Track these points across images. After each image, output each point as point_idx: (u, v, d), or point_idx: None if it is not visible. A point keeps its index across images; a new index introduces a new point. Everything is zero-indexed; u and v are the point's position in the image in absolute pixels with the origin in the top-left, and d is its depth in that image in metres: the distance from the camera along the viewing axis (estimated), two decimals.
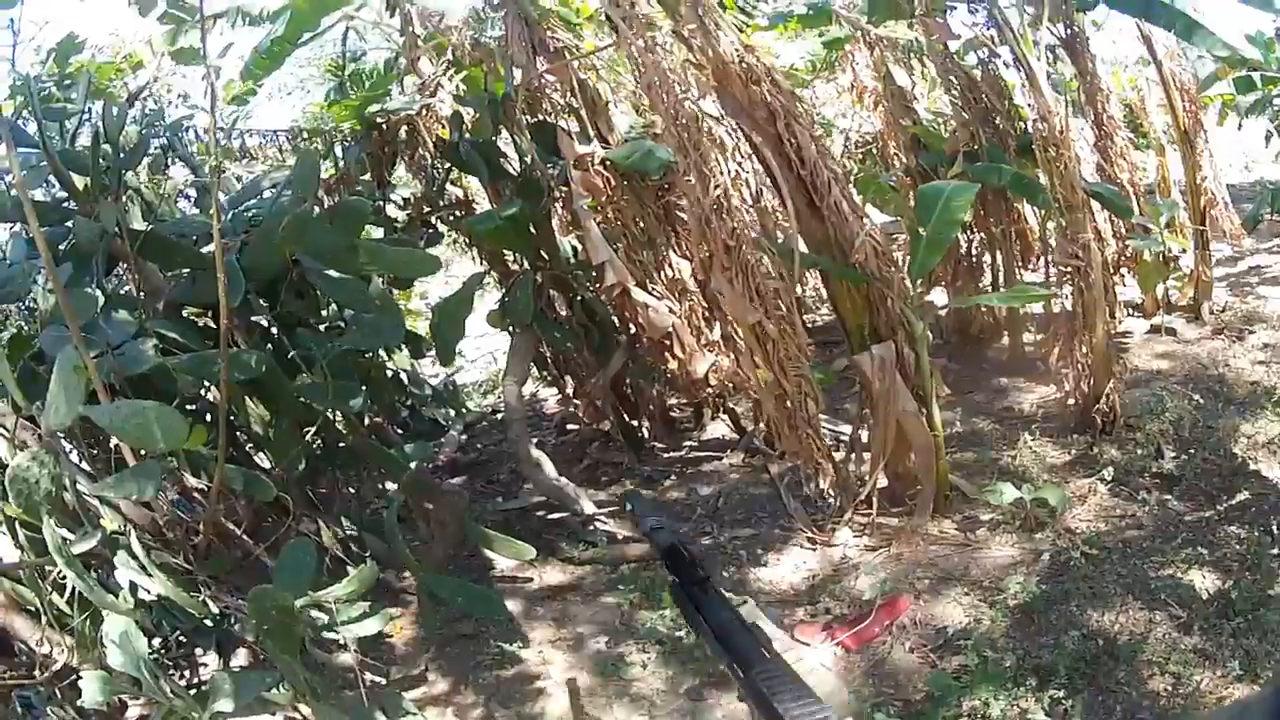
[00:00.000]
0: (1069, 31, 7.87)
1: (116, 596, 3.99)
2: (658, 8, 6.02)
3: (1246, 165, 15.48)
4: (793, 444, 5.88)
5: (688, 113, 5.62)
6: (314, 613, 4.20)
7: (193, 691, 4.06)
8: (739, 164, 6.32)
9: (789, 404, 5.78)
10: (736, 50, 5.64)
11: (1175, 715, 4.38)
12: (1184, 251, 9.29)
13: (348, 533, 6.05)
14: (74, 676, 4.36)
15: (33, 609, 4.45)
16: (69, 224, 5.27)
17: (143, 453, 4.47)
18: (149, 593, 4.14)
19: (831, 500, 6.40)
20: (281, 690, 4.02)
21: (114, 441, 4.72)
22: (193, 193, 7.96)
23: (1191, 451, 6.65)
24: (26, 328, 6.55)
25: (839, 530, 6.40)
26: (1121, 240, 8.77)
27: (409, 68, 8.52)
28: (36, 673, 4.31)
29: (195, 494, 4.88)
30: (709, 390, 7.59)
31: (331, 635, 4.38)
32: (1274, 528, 5.65)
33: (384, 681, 5.30)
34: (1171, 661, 4.66)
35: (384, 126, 7.79)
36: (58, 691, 4.47)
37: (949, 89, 8.38)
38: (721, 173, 5.68)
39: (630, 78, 7.81)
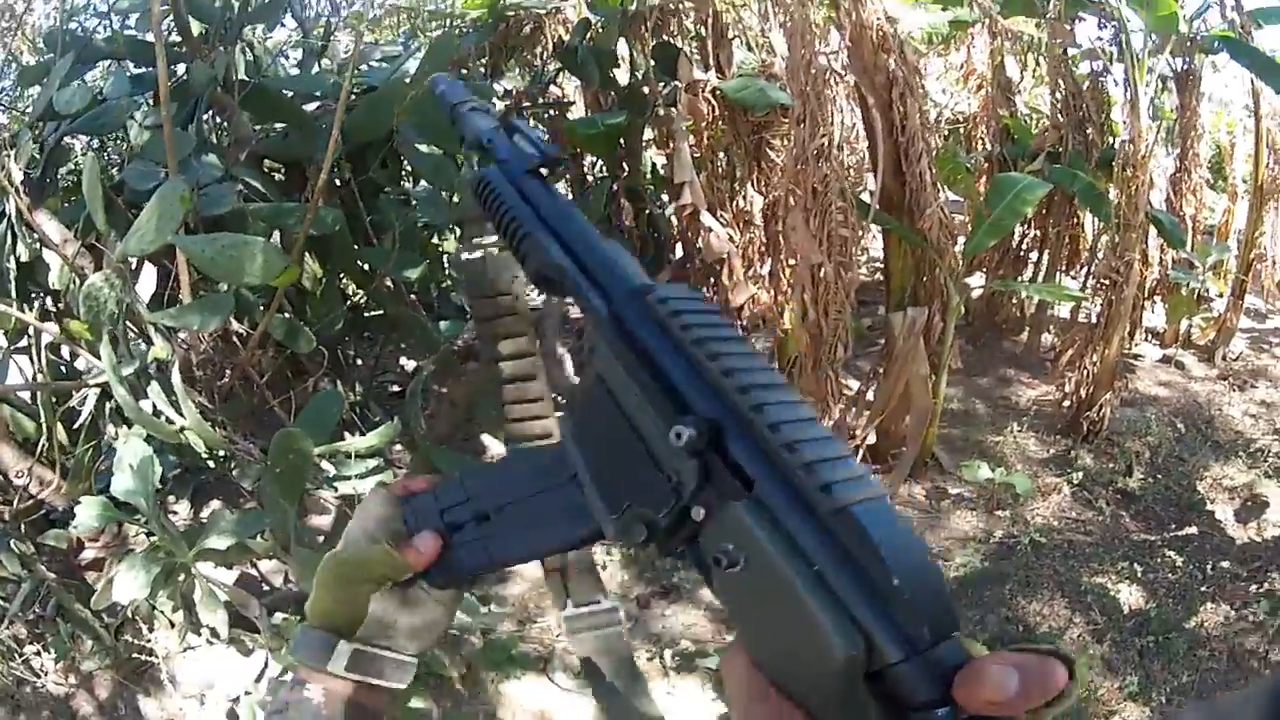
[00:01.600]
0: (1185, 65, 8.14)
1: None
2: None
3: None
4: (810, 383, 6.31)
5: (820, 65, 5.94)
6: (325, 464, 4.26)
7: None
8: (845, 119, 6.64)
9: (821, 345, 6.21)
10: (878, 18, 5.99)
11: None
12: (1220, 296, 9.61)
13: (360, 399, 6.39)
14: (44, 511, 4.70)
15: (22, 440, 4.73)
16: (178, 67, 5.41)
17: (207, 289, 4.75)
18: (172, 424, 4.01)
19: None
20: (264, 539, 4.14)
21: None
22: (293, 53, 7.97)
23: (1159, 476, 7.14)
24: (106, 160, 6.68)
25: None
26: (1165, 269, 9.09)
27: None
28: (8, 505, 4.54)
29: (234, 336, 5.00)
30: (739, 320, 7.84)
31: (330, 488, 4.37)
32: (1209, 567, 6.12)
33: None
34: (1079, 663, 5.16)
35: (511, 20, 8.07)
36: (21, 525, 4.69)
37: (1054, 90, 8.64)
38: (831, 123, 6.01)
39: (757, 17, 8.14)
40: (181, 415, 3.94)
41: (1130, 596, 5.82)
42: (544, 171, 1.15)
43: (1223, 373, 9.11)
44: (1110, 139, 8.31)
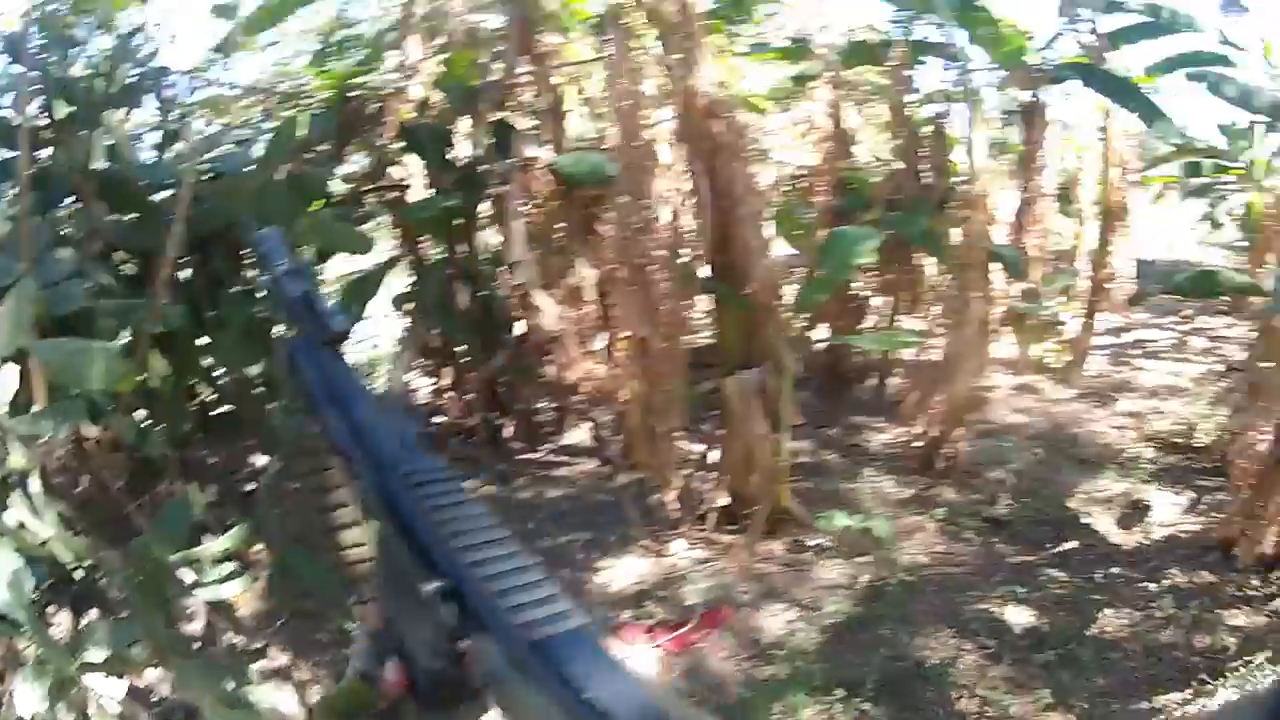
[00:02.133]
0: (1032, 98, 8.12)
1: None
2: (649, 25, 6.25)
3: (1169, 244, 15.66)
4: (646, 455, 6.25)
5: (646, 137, 5.98)
6: (182, 572, 4.22)
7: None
8: (675, 189, 6.53)
9: (654, 417, 6.12)
10: (710, 85, 5.93)
11: None
12: (1073, 318, 9.61)
13: (212, 500, 6.06)
14: None
15: None
16: (41, 154, 5.33)
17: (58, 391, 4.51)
18: (35, 536, 3.98)
19: (671, 512, 6.71)
20: (140, 649, 4.01)
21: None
22: (153, 136, 7.61)
23: (1025, 500, 7.03)
24: None
25: (674, 541, 6.73)
26: (1009, 301, 9.01)
27: (398, 42, 8.26)
28: None
29: (85, 442, 4.97)
30: (576, 397, 7.87)
31: (187, 599, 4.45)
32: (1098, 576, 6.02)
33: (238, 641, 5.48)
34: (980, 686, 5.02)
35: (358, 100, 7.94)
36: None
37: (894, 137, 8.69)
38: (653, 195, 6.04)
39: (596, 87, 8.09)
40: (42, 525, 3.91)
41: (1019, 617, 5.67)
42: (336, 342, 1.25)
43: (1083, 392, 9.13)
44: (951, 180, 8.31)
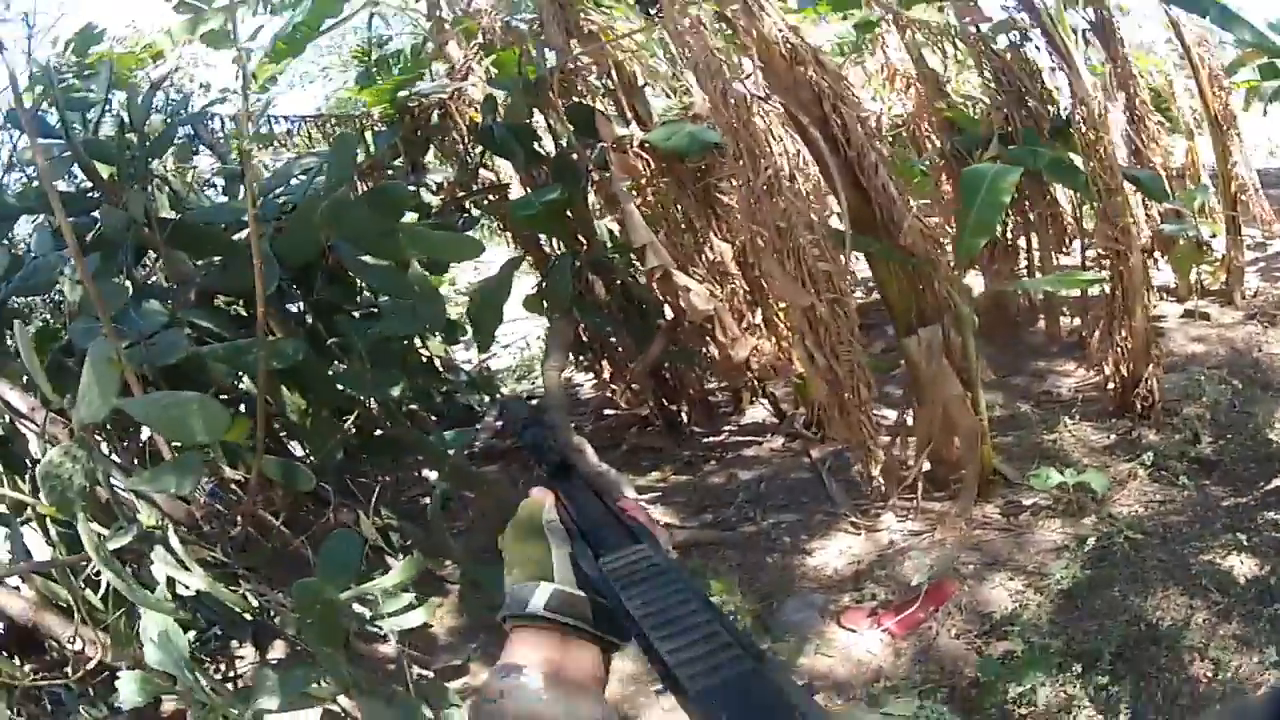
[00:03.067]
0: (1099, 15, 7.87)
1: (153, 592, 3.95)
2: None
3: (1271, 151, 15.37)
4: (844, 430, 5.86)
5: (736, 93, 5.58)
6: (357, 606, 4.18)
7: (231, 686, 4.15)
8: (786, 146, 6.25)
9: (841, 390, 5.74)
10: (780, 31, 5.55)
11: (1213, 701, 4.44)
12: (1214, 237, 9.24)
13: (386, 521, 6.02)
14: (107, 674, 4.37)
15: (64, 605, 4.44)
16: (95, 214, 5.23)
17: (177, 445, 4.48)
18: (187, 588, 4.08)
19: (876, 485, 6.32)
20: (324, 684, 4.03)
21: (147, 433, 4.79)
22: (220, 181, 7.95)
23: (1229, 437, 6.65)
24: (53, 320, 6.56)
25: (883, 515, 6.43)
26: (1156, 225, 8.72)
27: (437, 52, 8.49)
28: (69, 670, 4.26)
29: (233, 485, 4.87)
30: (749, 374, 7.60)
31: (373, 628, 4.35)
32: None
33: (430, 674, 5.29)
34: (1211, 648, 4.70)
35: (416, 110, 7.80)
36: (90, 689, 4.48)
37: (981, 72, 8.40)
38: (772, 153, 5.66)
39: (664, 61, 7.86)
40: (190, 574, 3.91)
41: (1243, 567, 5.31)
42: (569, 466, 1.46)
43: (1249, 313, 8.75)
44: (1052, 108, 8.06)
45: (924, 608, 5.38)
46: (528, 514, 1.32)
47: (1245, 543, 5.46)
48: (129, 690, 3.74)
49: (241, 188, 6.57)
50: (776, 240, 5.60)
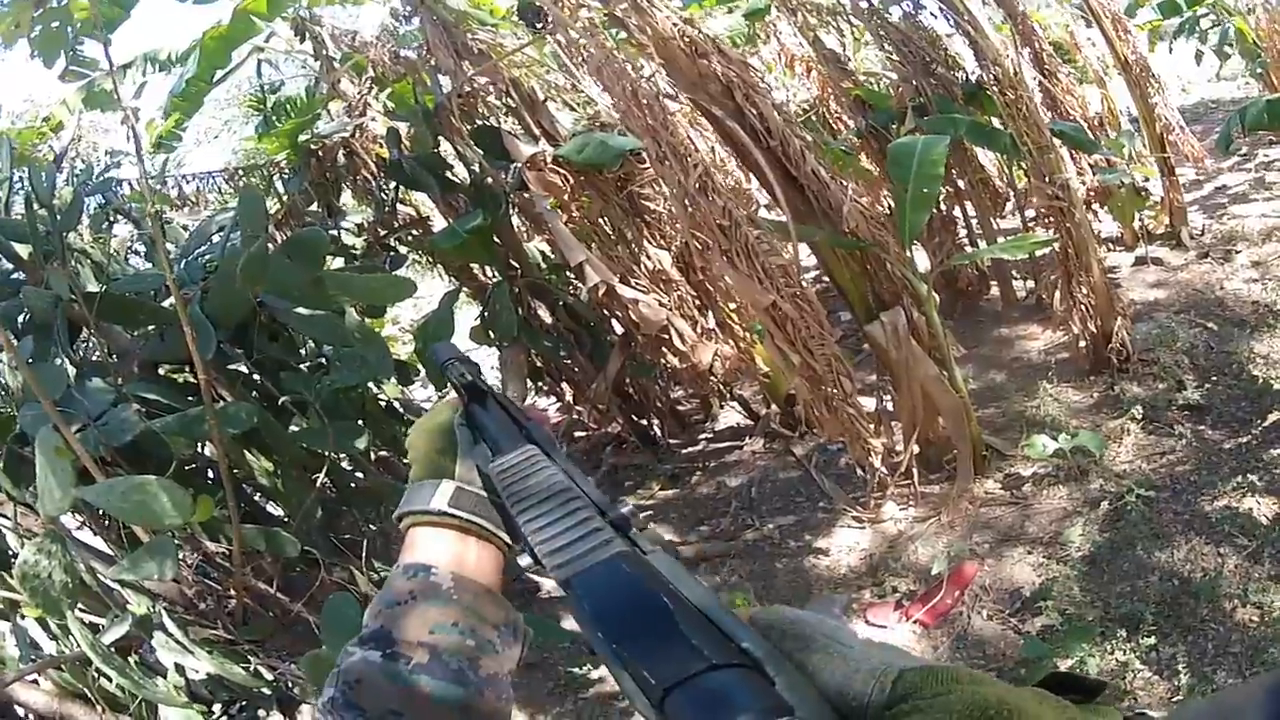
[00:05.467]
0: None
1: (165, 678, 3.90)
2: None
3: (1183, 88, 15.65)
4: (834, 425, 5.69)
5: (648, 92, 5.43)
6: None
7: None
8: (705, 143, 6.15)
9: (823, 384, 5.58)
10: (675, 25, 5.44)
11: (1267, 644, 4.30)
12: (1148, 180, 9.18)
13: (381, 574, 5.73)
14: None
15: (81, 694, 4.30)
16: (19, 296, 4.99)
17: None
18: (196, 671, 3.96)
19: (868, 475, 6.21)
20: None
21: None
22: (141, 248, 7.72)
23: (1213, 379, 6.58)
24: (4, 407, 6.30)
25: (884, 505, 6.26)
26: (1087, 176, 8.65)
27: (331, 91, 8.32)
28: None
29: (218, 558, 4.74)
30: (715, 380, 7.43)
31: None
32: None
33: None
34: (1251, 592, 4.58)
35: (320, 153, 7.63)
36: None
37: (881, 45, 8.32)
38: (698, 151, 5.55)
39: (559, 74, 7.72)
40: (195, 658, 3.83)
41: (1261, 508, 5.19)
42: (482, 390, 1.38)
43: (1200, 252, 8.72)
44: (960, 73, 8.08)
45: (949, 594, 5.22)
46: (435, 416, 1.33)
47: (1258, 483, 5.36)
48: None
49: (163, 254, 6.46)
50: (722, 240, 5.45)
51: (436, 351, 1.54)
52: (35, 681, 4.37)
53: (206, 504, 3.83)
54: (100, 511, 4.85)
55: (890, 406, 6.39)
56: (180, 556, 4.14)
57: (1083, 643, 4.53)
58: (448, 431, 1.28)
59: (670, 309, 6.82)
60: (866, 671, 0.73)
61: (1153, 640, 4.46)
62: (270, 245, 5.48)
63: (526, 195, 6.77)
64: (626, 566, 0.82)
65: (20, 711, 4.33)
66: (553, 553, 0.86)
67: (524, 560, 0.95)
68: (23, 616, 4.36)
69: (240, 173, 9.39)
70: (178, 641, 3.86)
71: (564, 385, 8.84)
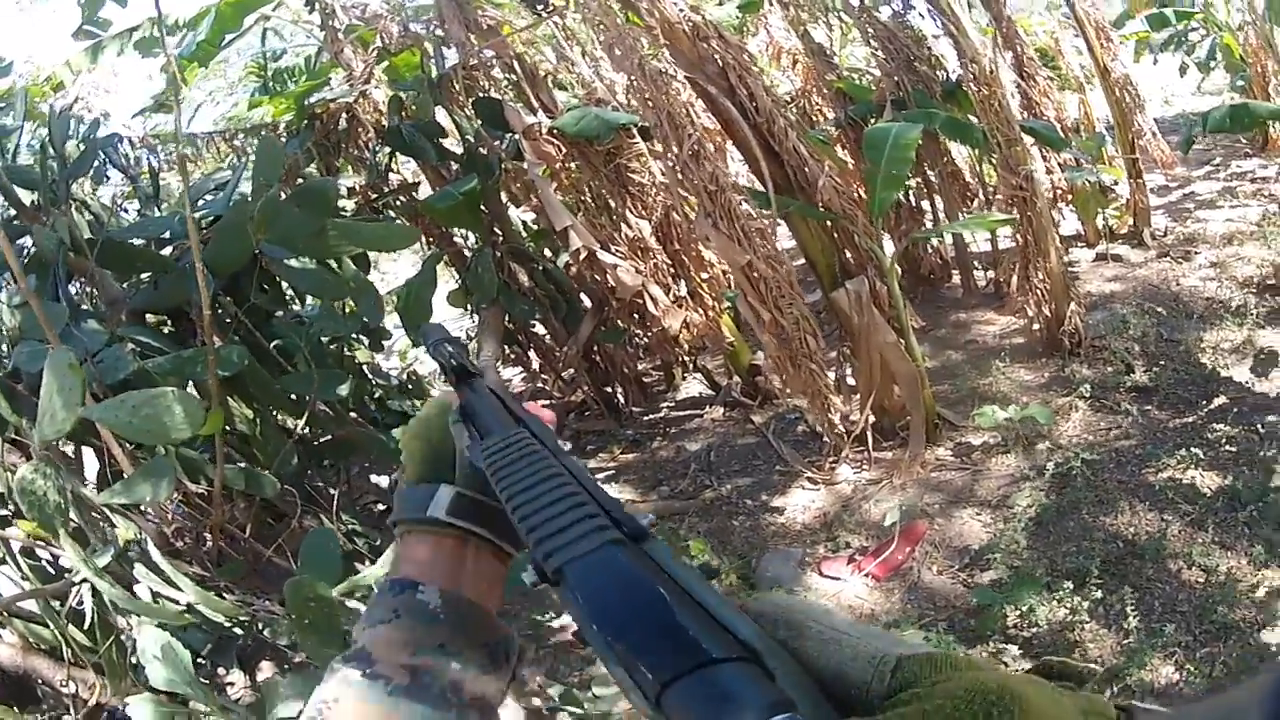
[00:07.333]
0: None
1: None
2: None
3: (1166, 100, 15.79)
4: (798, 383, 5.91)
5: (652, 68, 5.64)
6: (351, 602, 3.87)
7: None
8: (699, 116, 6.30)
9: (790, 341, 5.78)
10: (682, 10, 5.69)
11: (1214, 604, 4.50)
12: (1116, 182, 9.48)
13: (349, 527, 5.86)
14: (107, 713, 4.24)
15: (48, 649, 4.35)
16: (26, 237, 5.10)
17: (141, 455, 4.38)
18: (177, 604, 3.81)
19: (826, 440, 6.43)
20: None
21: (90, 459, 4.70)
22: (129, 206, 7.71)
23: (1162, 364, 6.78)
24: None
25: (839, 468, 6.43)
26: (1055, 174, 8.78)
27: (334, 60, 8.39)
28: (69, 716, 4.15)
29: (197, 499, 4.73)
30: (680, 349, 7.59)
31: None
32: (1259, 426, 5.79)
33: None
34: (1195, 554, 4.80)
35: (324, 116, 7.72)
36: None
37: (868, 41, 8.45)
38: (692, 122, 5.72)
39: (552, 57, 7.87)
40: (180, 591, 3.69)
41: (1204, 479, 5.45)
42: (471, 373, 1.36)
43: (1160, 251, 8.90)
44: (941, 71, 8.27)
45: (900, 549, 5.40)
46: (432, 412, 1.25)
47: (1202, 457, 5.59)
48: (144, 717, 3.50)
49: (156, 209, 6.57)
50: (708, 203, 5.66)
51: (425, 332, 1.55)
52: None
53: (217, 416, 3.80)
54: (65, 458, 4.85)
55: (850, 378, 6.59)
56: (174, 482, 3.97)
57: (1030, 592, 4.70)
58: (443, 430, 1.21)
59: (646, 276, 6.97)
60: (864, 659, 0.72)
61: (1099, 595, 4.64)
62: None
63: (520, 163, 6.97)
64: (621, 555, 0.79)
65: None
66: (542, 541, 0.82)
67: (529, 577, 0.84)
68: None
69: (240, 134, 9.39)
70: (159, 571, 3.73)
71: (530, 353, 8.96)
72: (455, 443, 1.17)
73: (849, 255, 6.34)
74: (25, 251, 5.08)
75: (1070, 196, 8.90)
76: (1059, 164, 8.77)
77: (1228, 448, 5.68)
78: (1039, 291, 7.07)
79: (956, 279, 9.32)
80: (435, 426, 1.20)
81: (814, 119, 10.07)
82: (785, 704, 0.60)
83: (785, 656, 0.70)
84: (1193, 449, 5.65)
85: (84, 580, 3.76)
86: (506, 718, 5.14)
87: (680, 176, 5.79)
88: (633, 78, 5.75)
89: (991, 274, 8.98)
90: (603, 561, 0.77)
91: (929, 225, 9.20)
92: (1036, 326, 7.29)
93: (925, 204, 9.29)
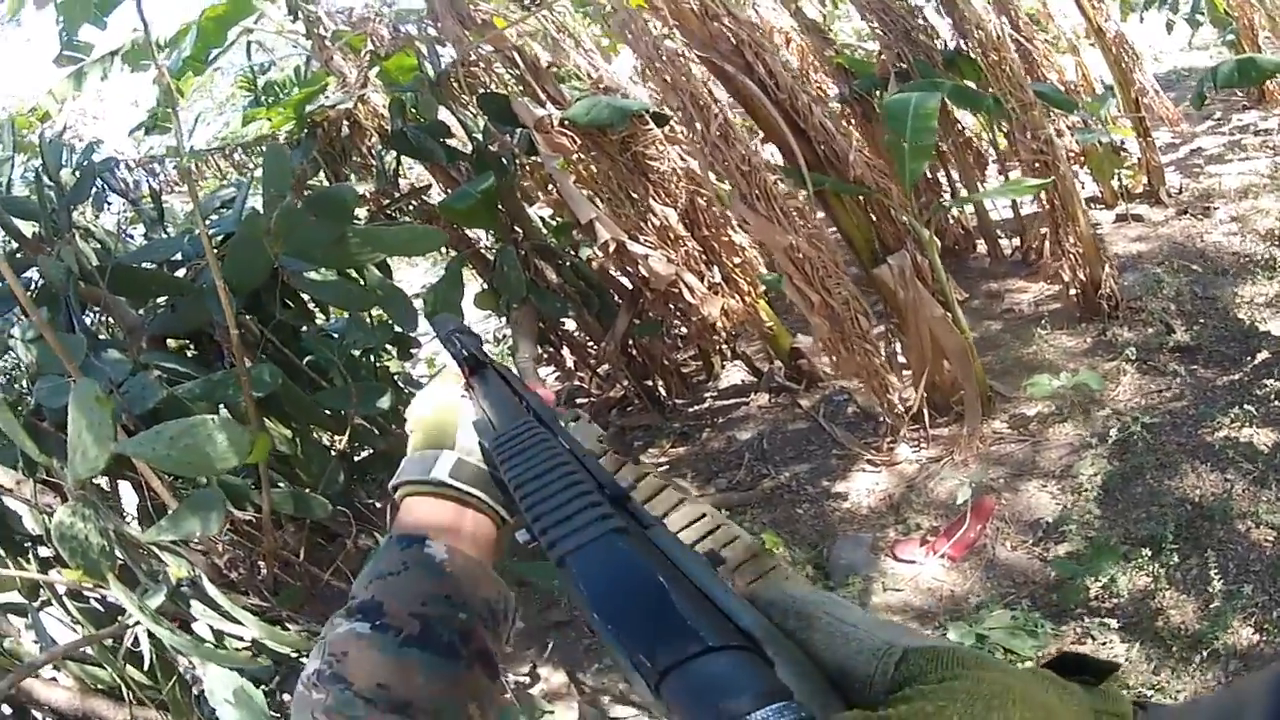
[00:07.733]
0: None
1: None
2: None
3: (1155, 57, 15.77)
4: (851, 365, 5.88)
5: (669, 50, 5.59)
6: None
7: None
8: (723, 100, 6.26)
9: (841, 322, 5.75)
10: None
11: None
12: (1125, 141, 9.45)
13: None
14: None
15: (106, 689, 4.27)
16: (33, 269, 5.01)
17: (183, 488, 4.37)
18: (240, 639, 3.85)
19: (883, 415, 6.41)
20: None
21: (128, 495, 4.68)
22: (135, 230, 7.68)
23: (1201, 322, 6.78)
24: (5, 394, 6.12)
25: (897, 448, 6.40)
26: (1066, 137, 8.75)
27: (325, 68, 8.29)
28: None
29: (245, 527, 4.62)
30: (719, 336, 7.54)
31: None
32: None
33: (525, 681, 5.25)
34: (1262, 513, 4.79)
35: (324, 125, 7.62)
36: None
37: (863, 14, 8.36)
38: (717, 102, 5.70)
39: (547, 50, 7.81)
40: (241, 624, 3.68)
41: (1261, 436, 5.44)
42: (482, 363, 1.37)
43: (1179, 209, 8.89)
44: (938, 40, 8.12)
45: (972, 527, 5.37)
46: (436, 388, 1.31)
47: (1255, 414, 5.57)
48: None
49: (163, 231, 6.45)
50: (743, 184, 5.60)
51: (437, 324, 1.56)
52: (54, 679, 4.38)
53: (264, 441, 3.62)
54: (103, 497, 4.71)
55: (898, 353, 6.53)
56: (224, 514, 3.84)
57: (1109, 562, 4.69)
58: (449, 403, 1.26)
59: (678, 264, 6.90)
60: (869, 652, 0.73)
61: (1176, 560, 4.64)
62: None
63: (535, 158, 6.97)
64: (623, 544, 0.79)
65: (38, 715, 4.30)
66: (548, 529, 0.83)
67: (522, 536, 0.93)
68: (41, 605, 4.25)
69: (239, 150, 9.30)
70: (218, 609, 3.69)
71: (564, 351, 8.88)
72: (458, 416, 1.23)
73: (886, 228, 6.26)
74: (33, 284, 5.04)
75: (1084, 159, 8.92)
76: (1068, 127, 8.76)
77: (1277, 403, 5.66)
78: (1072, 256, 7.03)
79: (981, 248, 9.27)
80: (442, 399, 1.26)
81: (817, 96, 10.06)
82: (780, 692, 0.62)
83: (789, 646, 0.74)
84: (1245, 406, 5.64)
85: (137, 623, 3.62)
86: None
87: (710, 159, 5.72)
88: (652, 60, 5.67)
89: (1017, 241, 8.92)
90: (604, 550, 0.78)
91: (947, 197, 9.10)
92: (1073, 292, 7.25)
93: (940, 175, 9.19)
